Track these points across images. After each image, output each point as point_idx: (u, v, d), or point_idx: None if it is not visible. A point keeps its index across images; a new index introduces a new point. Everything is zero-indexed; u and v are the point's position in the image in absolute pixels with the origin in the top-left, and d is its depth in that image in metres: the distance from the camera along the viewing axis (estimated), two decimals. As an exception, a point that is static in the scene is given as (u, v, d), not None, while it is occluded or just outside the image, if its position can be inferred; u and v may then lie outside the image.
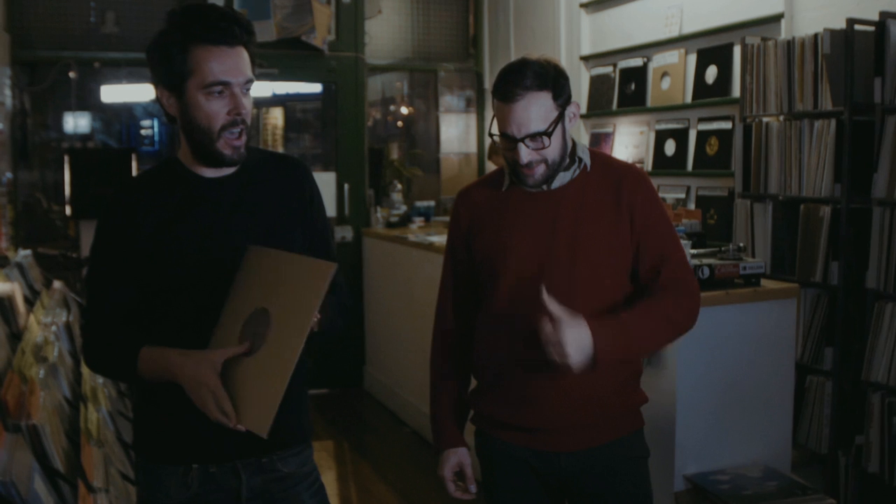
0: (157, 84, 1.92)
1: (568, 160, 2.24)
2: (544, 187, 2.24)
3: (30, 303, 3.65)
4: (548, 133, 2.13)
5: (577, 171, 2.25)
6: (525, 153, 2.14)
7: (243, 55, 1.91)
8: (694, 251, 3.28)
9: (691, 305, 2.21)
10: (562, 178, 2.24)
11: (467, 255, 2.34)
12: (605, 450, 2.26)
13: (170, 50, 1.87)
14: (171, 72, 1.88)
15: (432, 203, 6.93)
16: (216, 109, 1.89)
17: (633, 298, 2.23)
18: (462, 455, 2.36)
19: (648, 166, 5.48)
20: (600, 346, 2.00)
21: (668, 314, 2.15)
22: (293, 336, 1.79)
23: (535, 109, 2.11)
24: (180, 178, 1.98)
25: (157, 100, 1.96)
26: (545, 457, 2.26)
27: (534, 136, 2.12)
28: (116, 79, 6.68)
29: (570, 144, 2.23)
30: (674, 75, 5.32)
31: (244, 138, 1.93)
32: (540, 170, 2.18)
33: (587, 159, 2.26)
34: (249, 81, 1.92)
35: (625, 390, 2.29)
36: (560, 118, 2.15)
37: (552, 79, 2.13)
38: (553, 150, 2.16)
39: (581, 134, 6.08)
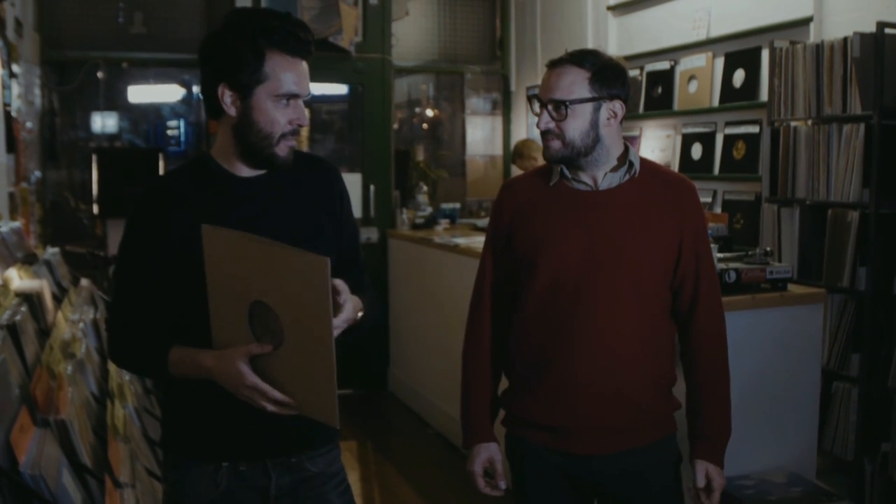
0: (219, 81, 1.90)
1: (616, 162, 2.25)
2: (591, 186, 2.24)
3: (58, 300, 3.68)
4: (566, 103, 2.16)
5: (627, 176, 2.24)
6: (545, 119, 2.20)
7: (308, 69, 1.94)
8: (720, 255, 3.26)
9: (722, 333, 2.33)
10: (610, 180, 2.24)
11: (508, 249, 2.32)
12: (638, 454, 2.25)
13: (244, 52, 1.86)
14: (241, 74, 1.87)
15: (458, 205, 6.95)
16: (279, 117, 1.90)
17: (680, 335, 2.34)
18: (493, 450, 2.34)
19: (675, 170, 5.43)
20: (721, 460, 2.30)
21: (724, 378, 2.32)
22: (315, 328, 1.69)
23: (566, 80, 2.17)
24: (214, 177, 1.99)
25: (207, 95, 1.94)
26: (576, 461, 2.25)
27: (556, 105, 2.17)
28: (144, 79, 6.72)
29: (603, 139, 2.21)
30: (701, 78, 5.29)
31: (295, 142, 1.97)
32: (555, 144, 2.20)
33: (637, 165, 2.25)
34: (309, 95, 1.95)
35: (660, 397, 2.28)
36: (593, 104, 2.17)
37: (596, 64, 2.18)
38: (571, 128, 2.17)
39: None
